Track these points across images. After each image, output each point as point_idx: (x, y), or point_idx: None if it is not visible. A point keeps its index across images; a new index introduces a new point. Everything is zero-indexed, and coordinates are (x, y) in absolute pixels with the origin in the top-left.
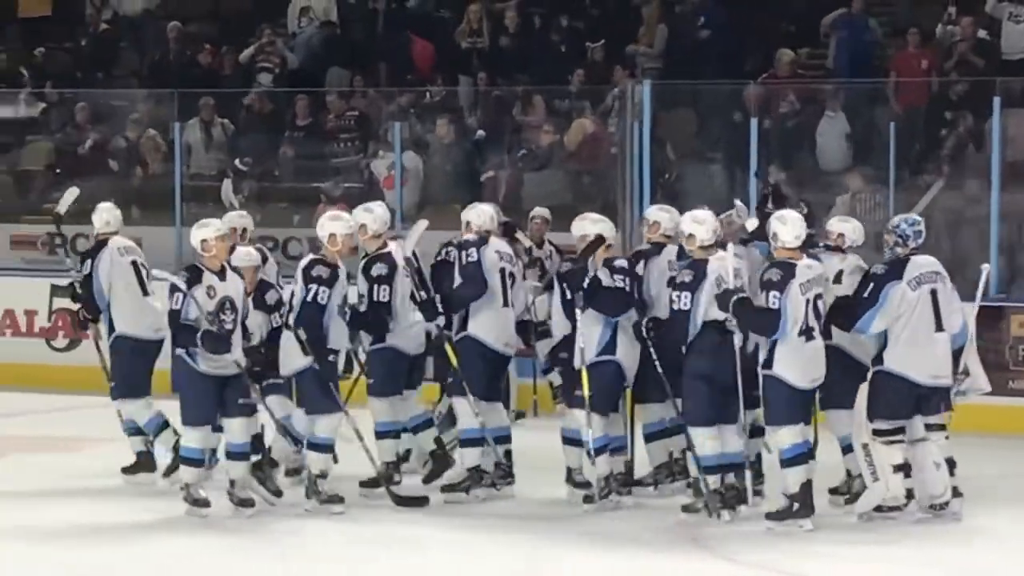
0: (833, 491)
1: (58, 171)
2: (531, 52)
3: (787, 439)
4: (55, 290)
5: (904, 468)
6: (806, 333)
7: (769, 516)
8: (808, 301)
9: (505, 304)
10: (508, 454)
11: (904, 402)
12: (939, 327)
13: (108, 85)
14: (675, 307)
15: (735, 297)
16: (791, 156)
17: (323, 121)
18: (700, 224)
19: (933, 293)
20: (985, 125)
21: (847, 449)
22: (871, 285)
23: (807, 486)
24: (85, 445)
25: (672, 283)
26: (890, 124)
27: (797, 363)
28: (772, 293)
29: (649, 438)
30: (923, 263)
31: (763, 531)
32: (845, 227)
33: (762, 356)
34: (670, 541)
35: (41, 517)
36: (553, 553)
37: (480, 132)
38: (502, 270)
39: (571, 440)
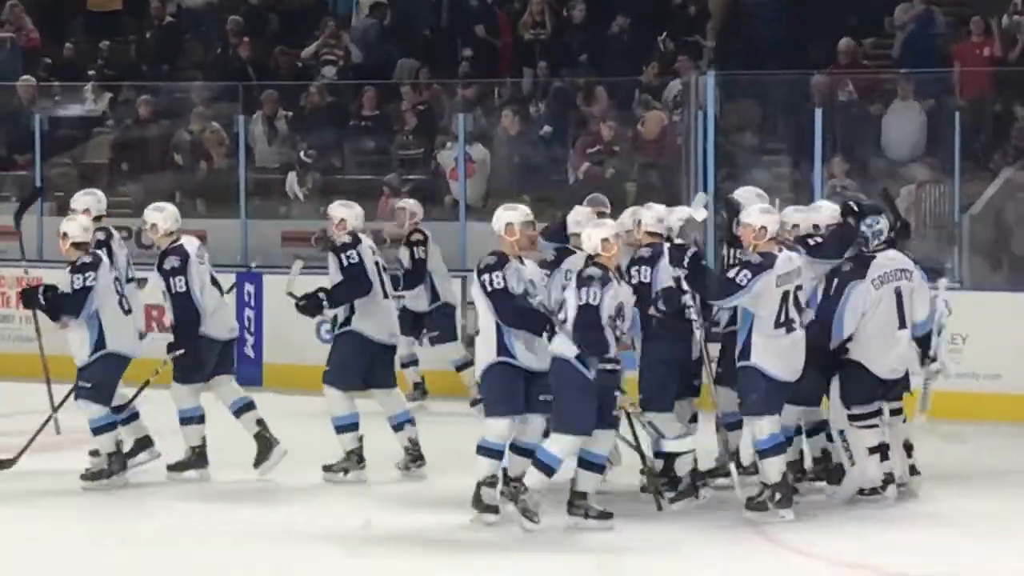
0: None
1: (122, 165)
2: (594, 44)
3: (766, 429)
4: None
5: (880, 450)
6: (785, 325)
7: (749, 507)
8: (787, 293)
9: (385, 297)
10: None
11: (873, 388)
12: (902, 324)
13: (173, 78)
14: (634, 281)
15: (692, 251)
16: (855, 147)
17: (388, 113)
18: (648, 210)
19: (898, 291)
20: None
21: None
22: (835, 282)
23: (786, 476)
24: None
25: (631, 259)
26: (955, 114)
27: (775, 354)
28: (744, 272)
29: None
30: (886, 262)
31: (836, 522)
32: (799, 217)
33: (738, 348)
34: (736, 537)
35: (106, 510)
36: (621, 555)
37: (547, 128)
38: (376, 263)
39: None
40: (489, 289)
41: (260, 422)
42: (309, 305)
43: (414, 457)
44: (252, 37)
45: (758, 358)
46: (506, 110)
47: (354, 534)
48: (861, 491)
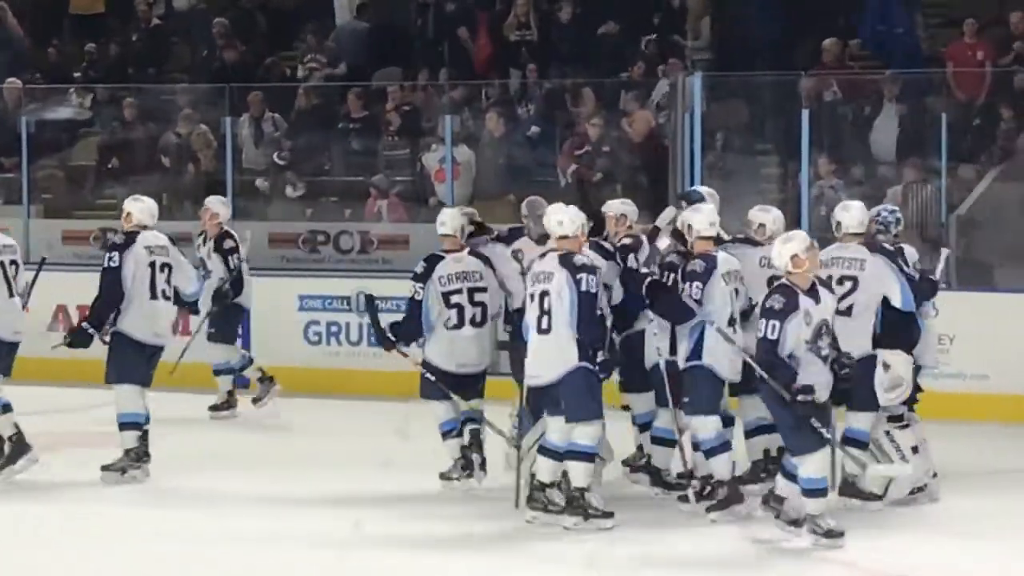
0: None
1: (110, 166)
2: (580, 45)
3: (711, 428)
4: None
5: (917, 450)
6: (734, 324)
7: (711, 508)
8: (733, 292)
9: (153, 297)
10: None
11: (912, 387)
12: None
13: (159, 81)
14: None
15: (649, 280)
16: (842, 147)
17: (375, 115)
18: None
19: None
20: None
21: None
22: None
23: (733, 472)
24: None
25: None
26: (942, 115)
27: (725, 354)
28: (695, 284)
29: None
30: (912, 252)
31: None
32: (766, 218)
33: (685, 349)
34: (725, 539)
35: (103, 511)
36: (610, 553)
37: (534, 129)
38: (152, 263)
39: (661, 440)
40: (582, 289)
41: (17, 426)
42: (76, 340)
43: (137, 456)
44: (239, 40)
45: (709, 358)
46: (491, 112)
47: (349, 536)
48: (912, 491)
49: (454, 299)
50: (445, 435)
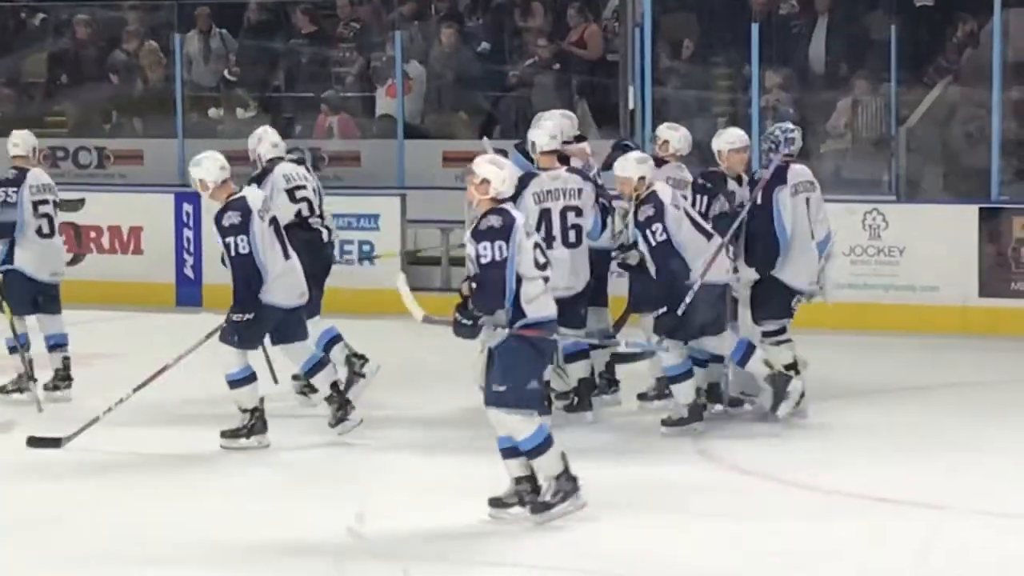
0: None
1: (59, 83)
2: None
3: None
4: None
5: (795, 366)
6: (546, 242)
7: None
8: (547, 211)
9: None
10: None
11: (787, 303)
12: (813, 235)
13: None
14: None
15: None
16: (791, 60)
17: (325, 29)
18: None
19: (807, 202)
20: (987, 25)
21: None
22: (761, 193)
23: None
24: (95, 360)
25: None
26: (891, 27)
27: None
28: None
29: None
30: (800, 171)
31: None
32: (672, 135)
33: None
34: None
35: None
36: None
37: (484, 44)
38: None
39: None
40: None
41: None
42: None
43: None
44: None
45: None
46: (441, 26)
47: (325, 466)
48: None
49: (41, 209)
50: (12, 350)
